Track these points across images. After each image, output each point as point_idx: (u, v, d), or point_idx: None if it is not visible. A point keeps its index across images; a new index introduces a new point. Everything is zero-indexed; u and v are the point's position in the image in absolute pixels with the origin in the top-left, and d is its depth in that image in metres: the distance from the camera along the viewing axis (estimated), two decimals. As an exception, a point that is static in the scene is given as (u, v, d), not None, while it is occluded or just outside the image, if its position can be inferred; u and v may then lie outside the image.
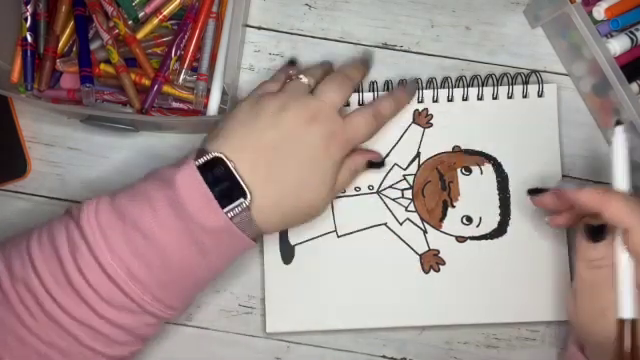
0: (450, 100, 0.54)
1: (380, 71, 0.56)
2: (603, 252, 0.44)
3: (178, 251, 0.42)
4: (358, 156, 0.50)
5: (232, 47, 0.51)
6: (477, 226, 0.53)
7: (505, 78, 0.54)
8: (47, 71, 0.54)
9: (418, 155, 0.54)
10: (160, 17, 0.54)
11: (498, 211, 0.53)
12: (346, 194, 0.53)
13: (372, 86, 0.54)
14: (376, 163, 0.52)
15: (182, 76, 0.54)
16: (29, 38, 0.53)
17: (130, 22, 0.54)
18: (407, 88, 0.53)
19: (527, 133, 0.54)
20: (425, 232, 0.53)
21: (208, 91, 0.53)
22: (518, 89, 0.54)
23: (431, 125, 0.54)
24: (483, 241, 0.53)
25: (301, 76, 0.48)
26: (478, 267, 0.53)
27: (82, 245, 0.42)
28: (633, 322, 0.42)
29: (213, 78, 0.53)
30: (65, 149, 0.56)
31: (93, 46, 0.54)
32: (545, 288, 0.52)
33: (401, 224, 0.53)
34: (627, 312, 0.42)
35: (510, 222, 0.53)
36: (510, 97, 0.54)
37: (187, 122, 0.54)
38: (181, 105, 0.54)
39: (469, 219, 0.53)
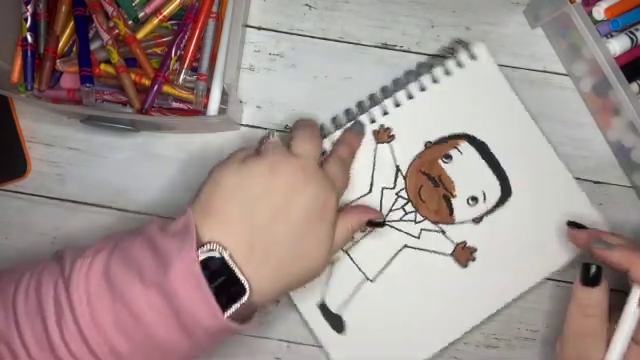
0: (397, 105, 0.54)
1: (380, 71, 0.56)
2: (596, 299, 0.44)
3: (165, 335, 0.40)
4: (355, 215, 0.48)
5: (232, 47, 0.51)
6: (484, 201, 0.53)
7: (436, 59, 0.55)
8: (47, 71, 0.54)
9: (398, 169, 0.53)
10: (160, 17, 0.54)
11: (494, 177, 0.53)
12: (356, 239, 0.53)
13: (346, 113, 0.54)
14: (377, 222, 0.50)
15: (182, 76, 0.54)
16: (29, 38, 0.53)
17: (130, 22, 0.54)
18: (353, 130, 0.53)
19: (480, 97, 0.54)
20: (443, 232, 0.53)
21: (208, 91, 0.53)
22: (451, 63, 0.54)
23: (393, 137, 0.53)
24: (497, 211, 0.53)
25: (275, 135, 0.46)
26: (505, 237, 0.53)
27: (68, 313, 0.40)
28: None
29: (213, 78, 0.53)
30: (65, 149, 0.56)
31: (93, 46, 0.54)
32: (563, 225, 0.52)
33: (419, 237, 0.53)
34: None
35: (510, 180, 0.53)
36: (448, 74, 0.54)
37: (187, 122, 0.54)
38: (181, 105, 0.54)
39: (474, 199, 0.53)
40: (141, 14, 0.54)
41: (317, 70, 0.56)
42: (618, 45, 0.50)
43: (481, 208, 0.53)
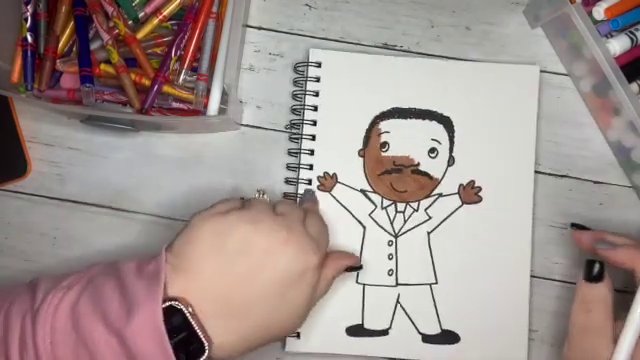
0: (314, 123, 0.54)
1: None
2: (599, 295, 0.44)
3: None
4: (332, 265, 0.47)
5: (232, 47, 0.51)
6: (440, 144, 0.54)
7: None
8: (47, 71, 0.54)
9: (363, 192, 0.54)
10: (160, 17, 0.54)
11: (432, 122, 0.54)
12: (372, 283, 0.53)
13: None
14: (355, 267, 0.50)
15: (182, 76, 0.54)
16: (29, 38, 0.53)
17: (130, 22, 0.54)
18: (306, 198, 0.53)
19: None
20: (441, 195, 0.54)
21: (208, 91, 0.53)
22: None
23: (336, 175, 0.54)
24: (456, 144, 0.54)
25: (263, 193, 0.46)
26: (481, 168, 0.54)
27: (31, 348, 0.39)
28: None
29: (213, 78, 0.53)
30: (65, 149, 0.56)
31: (93, 46, 0.54)
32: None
33: (431, 217, 0.54)
34: None
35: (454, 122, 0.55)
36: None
37: (187, 122, 0.54)
38: (181, 105, 0.54)
39: (432, 150, 0.54)
40: (141, 14, 0.54)
41: (317, 70, 0.56)
42: (618, 45, 0.50)
43: (444, 151, 0.54)
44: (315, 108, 0.54)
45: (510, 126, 0.54)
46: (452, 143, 0.54)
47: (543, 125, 0.55)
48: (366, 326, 0.52)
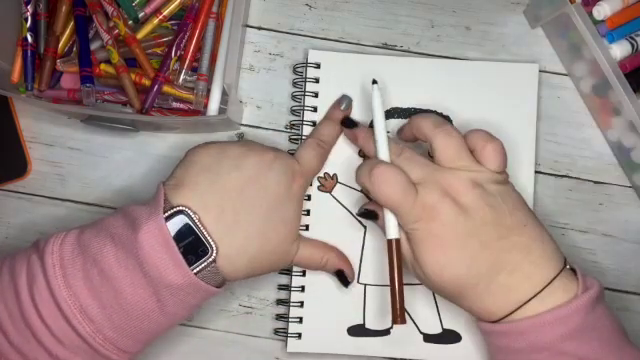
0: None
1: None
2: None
3: (134, 295, 0.42)
4: (335, 257, 0.51)
5: (232, 47, 0.51)
6: None
7: None
8: (47, 71, 0.54)
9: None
10: (160, 17, 0.54)
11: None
12: (374, 283, 0.53)
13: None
14: (345, 279, 0.51)
15: (182, 76, 0.54)
16: (29, 38, 0.53)
17: (130, 22, 0.54)
18: (340, 103, 0.53)
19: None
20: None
21: (208, 91, 0.53)
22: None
23: (336, 176, 0.54)
24: None
25: (242, 136, 0.49)
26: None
27: (40, 276, 0.41)
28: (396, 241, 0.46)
29: (213, 78, 0.53)
30: (65, 149, 0.56)
31: (93, 46, 0.54)
32: None
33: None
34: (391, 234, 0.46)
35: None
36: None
37: (187, 122, 0.54)
38: (181, 105, 0.54)
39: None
40: (141, 14, 0.54)
41: (317, 70, 0.56)
42: (619, 50, 0.50)
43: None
44: (315, 109, 0.54)
45: (510, 124, 0.54)
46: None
47: (543, 125, 0.55)
48: (367, 326, 0.52)
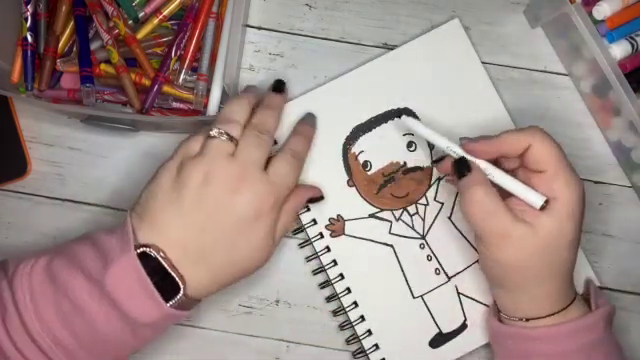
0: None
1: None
2: (474, 181, 0.45)
3: (108, 325, 0.42)
4: (296, 198, 0.49)
5: (232, 47, 0.51)
6: (415, 136, 0.54)
7: None
8: (47, 71, 0.54)
9: (373, 215, 0.53)
10: (160, 17, 0.54)
11: (397, 119, 0.54)
12: (427, 291, 0.53)
13: None
14: (316, 198, 0.52)
15: (182, 76, 0.54)
16: (29, 38, 0.53)
17: (130, 22, 0.54)
18: (307, 121, 0.53)
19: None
20: (440, 179, 0.54)
21: (208, 91, 0.53)
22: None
23: (342, 218, 0.53)
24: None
25: (222, 131, 0.45)
26: None
27: (12, 310, 0.41)
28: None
29: (213, 78, 0.53)
30: (65, 149, 0.56)
31: (93, 46, 0.54)
32: None
33: (440, 202, 0.54)
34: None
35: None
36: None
37: (187, 122, 0.54)
38: (181, 105, 0.54)
39: (410, 144, 0.54)
40: (141, 14, 0.54)
41: (317, 70, 0.56)
42: (618, 50, 0.50)
43: (420, 140, 0.54)
44: None
45: (464, 85, 0.54)
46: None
47: (543, 125, 0.55)
48: (444, 331, 0.52)
